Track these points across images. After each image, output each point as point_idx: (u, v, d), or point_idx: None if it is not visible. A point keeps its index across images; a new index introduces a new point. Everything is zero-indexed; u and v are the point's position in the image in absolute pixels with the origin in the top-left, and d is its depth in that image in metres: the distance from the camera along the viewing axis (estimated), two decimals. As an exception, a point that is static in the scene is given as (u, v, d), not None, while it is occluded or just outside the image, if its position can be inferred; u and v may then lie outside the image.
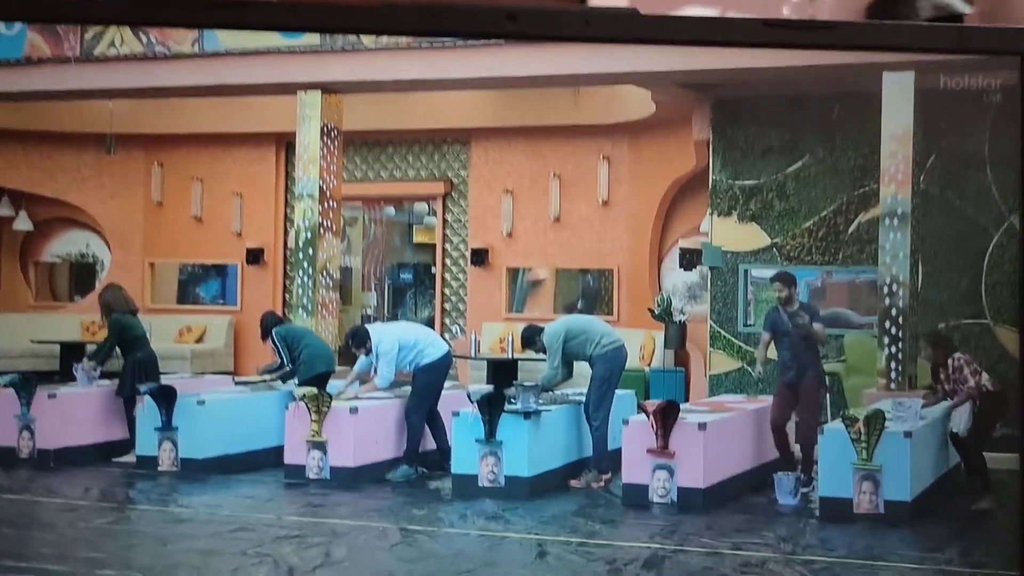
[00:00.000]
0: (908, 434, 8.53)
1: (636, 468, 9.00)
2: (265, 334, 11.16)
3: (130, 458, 10.85)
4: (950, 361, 8.93)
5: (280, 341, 11.04)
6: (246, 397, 11.05)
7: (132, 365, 10.96)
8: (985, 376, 8.96)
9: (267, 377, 11.32)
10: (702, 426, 8.90)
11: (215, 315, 17.78)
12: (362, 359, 10.37)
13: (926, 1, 5.71)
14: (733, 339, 13.82)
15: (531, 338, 10.26)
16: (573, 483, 9.69)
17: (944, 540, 7.94)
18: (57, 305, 18.47)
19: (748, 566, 7.13)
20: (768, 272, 13.99)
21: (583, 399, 10.20)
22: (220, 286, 18.24)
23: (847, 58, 11.18)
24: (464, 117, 16.39)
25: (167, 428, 10.33)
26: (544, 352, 10.18)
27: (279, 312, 17.23)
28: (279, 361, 11.14)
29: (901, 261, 11.65)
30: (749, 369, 9.86)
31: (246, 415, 10.72)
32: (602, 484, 9.68)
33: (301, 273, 14.00)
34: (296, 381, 10.88)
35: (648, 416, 8.93)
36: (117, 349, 11.23)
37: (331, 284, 14.17)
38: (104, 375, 11.34)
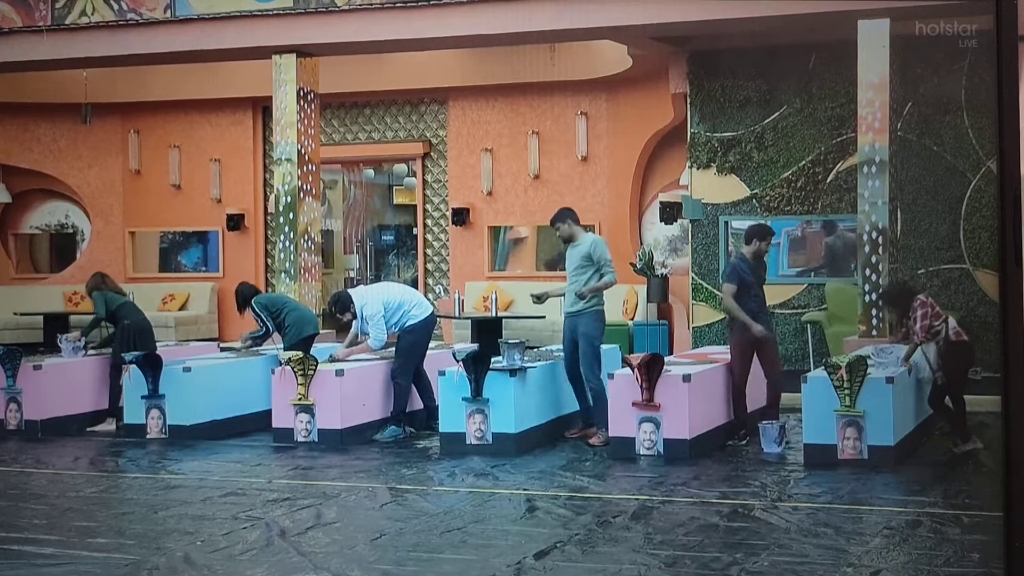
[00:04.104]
0: (890, 380, 8.59)
1: (622, 421, 9.06)
2: (242, 305, 11.09)
3: (106, 426, 10.88)
4: (912, 304, 8.96)
5: (262, 310, 10.99)
6: (232, 363, 11.06)
7: (120, 332, 10.94)
8: (952, 323, 8.98)
9: (250, 344, 11.31)
10: (686, 378, 8.94)
11: (198, 282, 17.77)
12: (356, 323, 10.35)
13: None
14: (715, 291, 13.89)
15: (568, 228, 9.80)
16: (593, 441, 9.51)
17: (928, 483, 8.03)
18: (39, 277, 18.44)
19: (735, 514, 7.21)
20: (750, 223, 14.04)
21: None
22: (202, 253, 18.21)
23: (822, 7, 11.20)
24: (441, 76, 16.35)
25: (154, 396, 10.36)
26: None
27: (262, 278, 17.27)
28: (263, 329, 11.11)
29: (880, 208, 11.72)
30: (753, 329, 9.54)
31: (232, 381, 10.74)
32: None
33: (282, 238, 13.99)
34: (283, 345, 10.89)
35: (633, 370, 8.97)
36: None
37: (313, 248, 14.17)
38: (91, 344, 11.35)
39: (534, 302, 10.12)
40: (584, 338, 9.65)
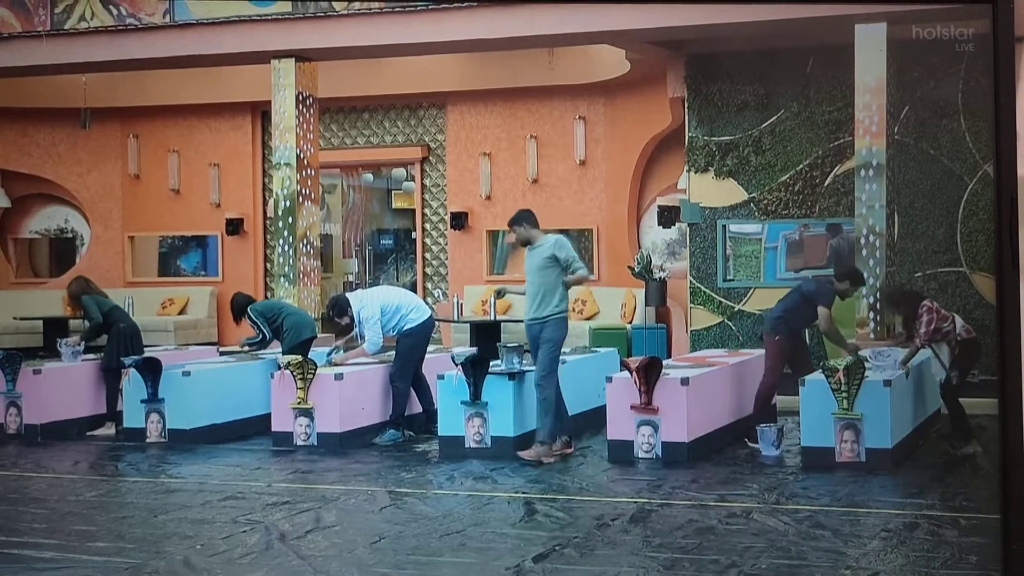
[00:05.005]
0: (887, 383, 8.62)
1: (620, 424, 9.08)
2: (239, 315, 11.16)
3: (107, 430, 10.90)
4: (919, 310, 9.02)
5: (258, 317, 11.05)
6: (231, 367, 11.08)
7: (116, 336, 10.97)
8: (959, 322, 9.05)
9: (248, 350, 11.34)
10: (684, 381, 8.96)
11: (197, 286, 17.78)
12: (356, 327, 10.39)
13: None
14: (713, 294, 13.92)
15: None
16: (559, 449, 9.38)
17: (925, 486, 8.05)
18: (39, 281, 18.45)
19: (733, 517, 7.23)
20: (748, 227, 14.08)
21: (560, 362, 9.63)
22: (201, 257, 18.23)
23: (820, 11, 11.23)
24: (439, 81, 16.38)
25: (153, 400, 10.37)
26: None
27: (262, 282, 17.31)
28: (259, 336, 11.14)
29: (877, 212, 11.76)
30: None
31: (232, 385, 10.76)
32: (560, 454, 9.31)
33: (281, 242, 14.02)
34: (282, 349, 10.91)
35: (631, 373, 8.99)
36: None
37: (312, 252, 14.20)
38: (88, 349, 11.36)
39: (497, 298, 10.13)
40: (547, 343, 9.12)
